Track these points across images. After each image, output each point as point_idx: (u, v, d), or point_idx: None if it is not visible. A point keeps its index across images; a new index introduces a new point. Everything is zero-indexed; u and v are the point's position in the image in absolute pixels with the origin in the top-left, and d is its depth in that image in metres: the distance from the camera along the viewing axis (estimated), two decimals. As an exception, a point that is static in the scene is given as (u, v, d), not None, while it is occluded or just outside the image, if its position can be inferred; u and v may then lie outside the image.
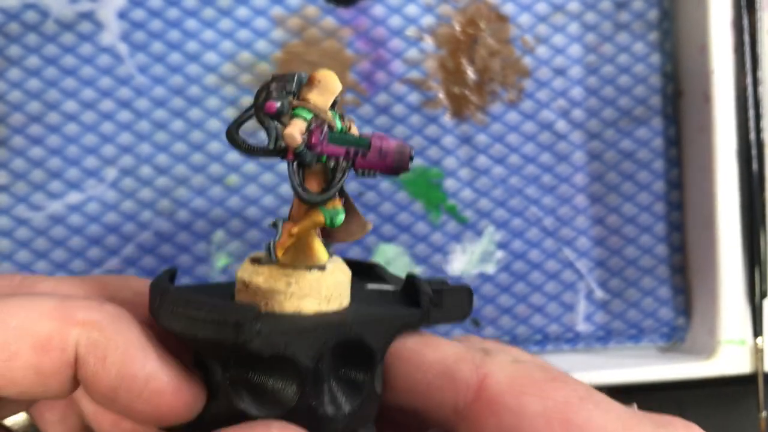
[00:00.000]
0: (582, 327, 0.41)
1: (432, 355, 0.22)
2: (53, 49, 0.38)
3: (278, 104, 0.20)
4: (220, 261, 0.39)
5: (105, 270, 0.38)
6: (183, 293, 0.21)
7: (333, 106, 0.21)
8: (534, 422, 0.21)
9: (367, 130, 0.40)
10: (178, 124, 0.39)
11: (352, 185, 0.39)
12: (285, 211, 0.39)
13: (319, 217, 0.21)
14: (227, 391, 0.20)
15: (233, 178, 0.39)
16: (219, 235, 0.39)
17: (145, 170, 0.38)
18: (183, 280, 0.38)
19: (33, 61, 0.38)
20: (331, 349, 0.20)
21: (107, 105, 0.38)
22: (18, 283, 0.22)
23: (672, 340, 0.42)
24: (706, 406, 0.42)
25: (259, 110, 0.21)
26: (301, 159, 0.20)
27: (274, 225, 0.21)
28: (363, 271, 0.25)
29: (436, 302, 0.23)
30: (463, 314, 0.24)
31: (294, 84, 0.20)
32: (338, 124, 0.21)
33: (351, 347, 0.21)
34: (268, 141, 0.20)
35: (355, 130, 0.21)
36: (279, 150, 0.20)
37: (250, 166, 0.39)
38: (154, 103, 0.39)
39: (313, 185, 0.21)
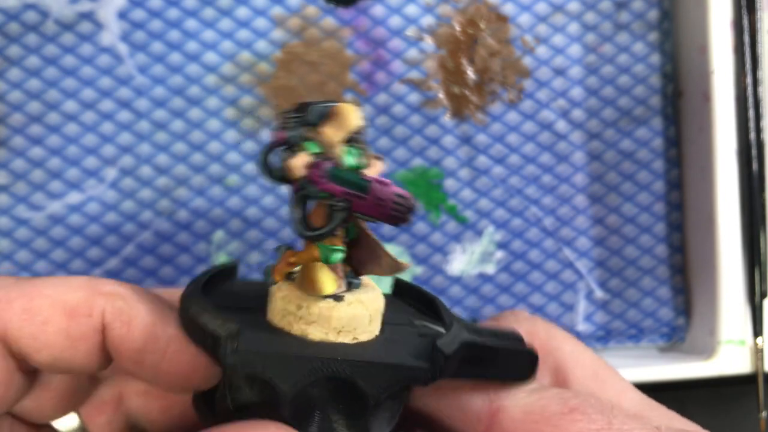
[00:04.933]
0: (582, 327, 0.41)
1: (446, 384, 0.22)
2: (53, 49, 0.38)
3: (288, 134, 0.20)
4: (220, 261, 0.39)
5: (105, 270, 0.38)
6: (197, 297, 0.21)
7: (350, 141, 0.20)
8: None
9: (367, 131, 0.40)
10: (178, 124, 0.39)
11: (352, 185, 0.39)
12: (286, 210, 0.39)
13: (315, 253, 0.21)
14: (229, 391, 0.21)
15: (233, 178, 0.39)
16: (219, 235, 0.39)
17: (145, 170, 0.39)
18: (183, 280, 0.39)
19: (33, 61, 0.38)
20: (324, 382, 0.20)
21: (107, 105, 0.38)
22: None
23: (672, 340, 0.42)
24: (706, 406, 0.42)
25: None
26: (304, 192, 0.20)
27: (278, 250, 0.21)
28: (421, 302, 0.24)
29: (471, 358, 0.21)
30: (520, 376, 0.22)
31: (312, 115, 0.20)
32: (349, 161, 0.20)
33: (345, 386, 0.20)
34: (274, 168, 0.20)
35: (376, 168, 0.20)
36: (286, 180, 0.20)
37: (250, 166, 0.39)
38: (154, 103, 0.39)
39: (318, 220, 0.20)
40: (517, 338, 0.22)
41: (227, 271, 0.24)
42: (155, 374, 0.22)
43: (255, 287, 0.24)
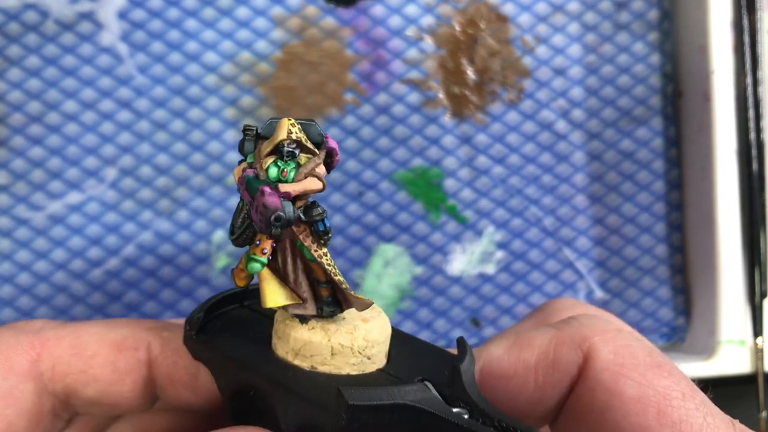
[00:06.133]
0: (582, 327, 0.41)
1: (526, 355, 0.21)
2: (53, 49, 0.38)
3: (240, 144, 0.21)
4: (220, 261, 0.39)
5: (105, 270, 0.38)
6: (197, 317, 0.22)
7: (281, 155, 0.20)
8: (628, 405, 0.20)
9: (367, 131, 0.40)
10: (178, 124, 0.39)
11: (351, 185, 0.39)
12: (285, 211, 0.39)
13: (243, 260, 0.21)
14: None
15: (233, 178, 0.39)
16: (219, 235, 0.39)
17: (145, 170, 0.38)
18: (183, 280, 0.39)
19: (33, 61, 0.38)
20: (255, 396, 0.20)
21: (107, 105, 0.38)
22: None
23: (672, 340, 0.42)
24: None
25: None
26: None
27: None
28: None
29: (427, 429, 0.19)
30: None
31: (265, 128, 0.21)
32: (271, 172, 0.20)
33: (268, 406, 0.20)
34: None
35: (305, 185, 0.20)
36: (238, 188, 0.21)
37: (250, 166, 0.39)
38: (154, 103, 0.39)
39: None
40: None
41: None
42: (210, 397, 0.22)
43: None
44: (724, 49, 0.39)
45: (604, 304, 0.41)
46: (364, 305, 0.21)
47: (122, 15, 0.38)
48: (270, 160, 0.20)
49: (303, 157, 0.20)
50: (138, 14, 0.38)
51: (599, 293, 0.41)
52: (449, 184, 0.40)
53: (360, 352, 0.20)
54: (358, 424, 0.19)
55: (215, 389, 0.22)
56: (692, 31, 0.40)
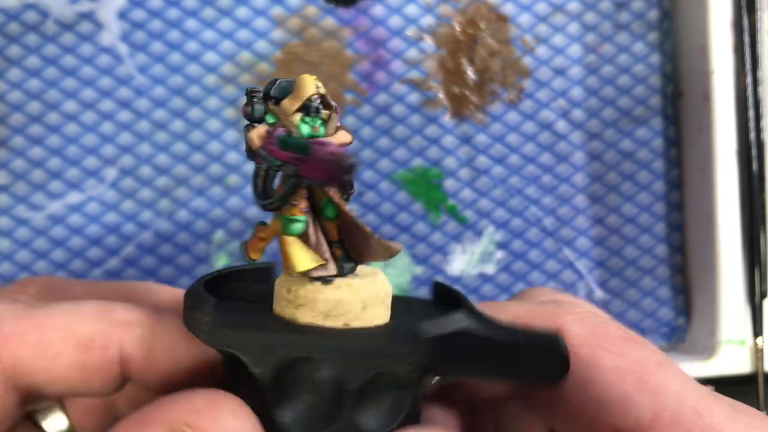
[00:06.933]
0: (582, 327, 0.41)
1: (502, 318, 0.21)
2: (53, 49, 0.38)
3: (248, 108, 0.20)
4: (220, 261, 0.39)
5: (105, 270, 0.38)
6: (198, 292, 0.21)
7: (308, 111, 0.20)
8: (607, 376, 0.20)
9: (367, 131, 0.40)
10: (178, 124, 0.39)
11: (352, 185, 0.39)
12: (285, 211, 0.39)
13: (277, 225, 0.20)
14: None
15: (233, 178, 0.39)
16: (219, 235, 0.39)
17: (145, 170, 0.38)
18: (183, 280, 0.38)
19: (33, 61, 0.38)
20: (298, 365, 0.19)
21: (107, 105, 0.38)
22: (55, 284, 0.24)
23: (672, 340, 0.42)
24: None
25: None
26: (264, 163, 0.20)
27: (254, 227, 0.21)
28: (447, 299, 0.23)
29: (475, 352, 0.20)
30: (548, 377, 0.21)
31: (276, 90, 0.20)
32: (303, 129, 0.20)
33: (317, 371, 0.20)
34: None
35: (339, 139, 0.20)
36: (249, 154, 0.20)
37: (250, 166, 0.39)
38: (154, 103, 0.39)
39: (279, 190, 0.20)
40: (549, 338, 0.21)
41: (264, 271, 0.24)
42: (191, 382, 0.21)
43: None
44: (724, 49, 0.39)
45: (604, 304, 0.41)
46: (393, 251, 0.21)
47: (122, 15, 0.38)
48: (298, 117, 0.20)
49: (324, 113, 0.20)
50: (138, 14, 0.38)
51: (599, 293, 0.41)
52: (449, 184, 0.40)
53: (383, 302, 0.21)
54: (430, 358, 0.19)
55: (195, 377, 0.21)
56: (692, 31, 0.40)
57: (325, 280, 0.20)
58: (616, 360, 0.20)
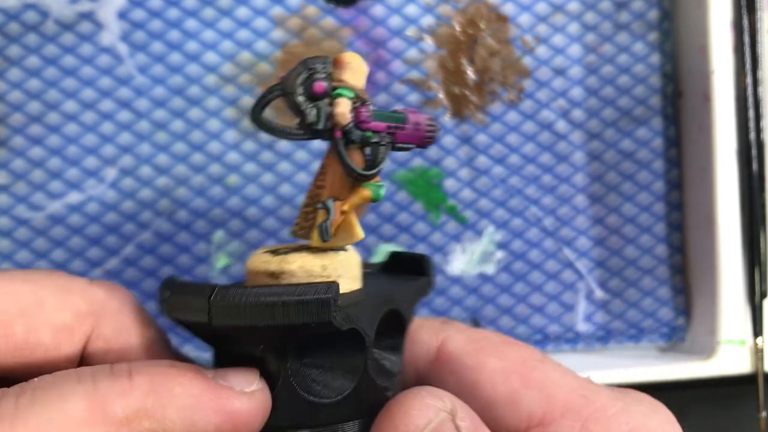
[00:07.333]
0: (582, 327, 0.41)
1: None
2: (53, 49, 0.38)
3: (326, 84, 0.21)
4: (220, 261, 0.39)
5: (105, 270, 0.38)
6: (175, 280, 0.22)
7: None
8: (493, 377, 0.22)
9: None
10: (178, 124, 0.39)
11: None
12: (286, 210, 0.39)
13: (366, 192, 0.22)
14: (287, 380, 0.21)
15: (233, 178, 0.39)
16: (219, 235, 0.39)
17: (145, 170, 0.38)
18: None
19: (33, 61, 0.38)
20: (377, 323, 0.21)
21: (107, 105, 0.38)
22: None
23: (672, 340, 0.42)
24: (706, 406, 0.42)
25: (293, 91, 0.21)
26: (348, 137, 0.21)
27: (324, 206, 0.22)
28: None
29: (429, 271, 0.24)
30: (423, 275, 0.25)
31: (330, 66, 0.21)
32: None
33: (389, 319, 0.22)
34: (314, 121, 0.21)
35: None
36: (324, 129, 0.21)
37: (250, 166, 0.39)
38: (154, 103, 0.39)
39: (358, 163, 0.21)
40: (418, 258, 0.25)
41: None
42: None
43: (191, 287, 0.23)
44: (724, 49, 0.39)
45: (604, 304, 0.41)
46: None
47: (122, 15, 0.38)
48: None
49: None
50: (138, 14, 0.38)
51: (599, 293, 0.41)
52: (449, 184, 0.40)
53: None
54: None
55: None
56: (692, 31, 0.40)
57: (343, 249, 0.22)
58: (499, 362, 0.22)
